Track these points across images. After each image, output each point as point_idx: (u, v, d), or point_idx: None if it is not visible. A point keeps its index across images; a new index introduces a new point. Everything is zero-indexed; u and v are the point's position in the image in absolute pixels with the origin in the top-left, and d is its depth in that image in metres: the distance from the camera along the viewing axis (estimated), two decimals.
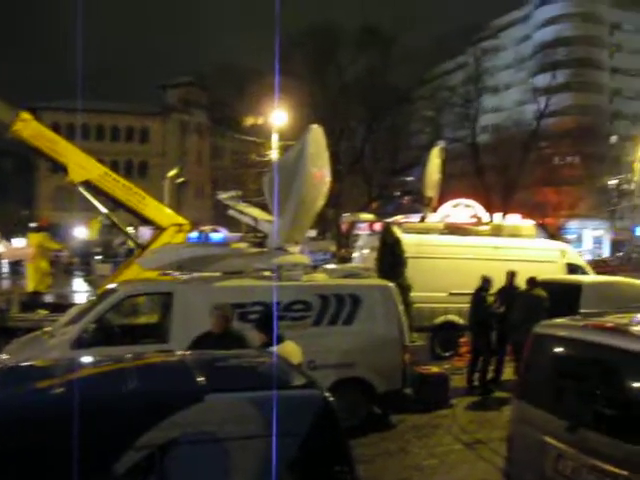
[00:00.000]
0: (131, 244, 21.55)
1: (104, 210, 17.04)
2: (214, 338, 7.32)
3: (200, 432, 3.91)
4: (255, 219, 12.52)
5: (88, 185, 15.97)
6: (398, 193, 44.79)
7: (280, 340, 7.27)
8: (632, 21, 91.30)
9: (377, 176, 46.01)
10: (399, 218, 19.65)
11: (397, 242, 14.71)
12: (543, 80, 52.68)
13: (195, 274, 10.50)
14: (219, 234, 45.51)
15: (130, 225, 21.24)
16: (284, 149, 30.12)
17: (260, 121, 39.34)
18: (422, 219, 19.96)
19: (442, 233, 17.60)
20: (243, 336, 7.38)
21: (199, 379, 4.35)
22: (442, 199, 24.63)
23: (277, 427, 3.88)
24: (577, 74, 62.37)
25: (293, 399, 4.11)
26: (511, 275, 13.96)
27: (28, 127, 15.60)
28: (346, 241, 38.43)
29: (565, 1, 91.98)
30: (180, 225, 16.41)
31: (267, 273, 10.79)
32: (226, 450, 3.93)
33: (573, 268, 17.75)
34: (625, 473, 4.94)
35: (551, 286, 13.43)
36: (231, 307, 8.02)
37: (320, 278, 11.15)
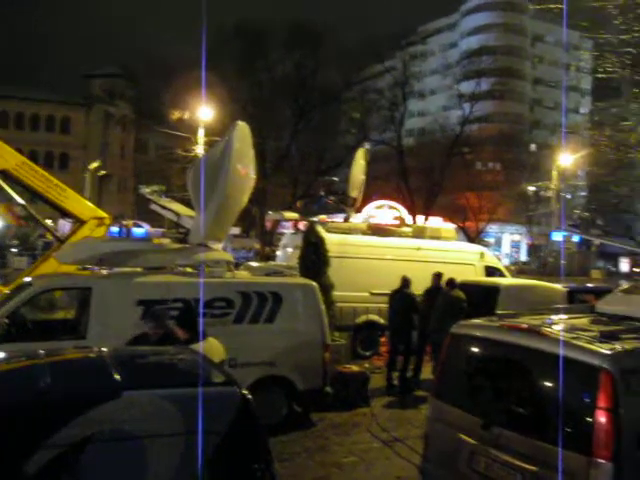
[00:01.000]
0: (49, 237, 20.99)
1: (21, 201, 16.52)
2: (152, 342, 7.19)
3: (116, 430, 3.85)
4: (178, 214, 12.34)
5: (4, 175, 15.45)
6: (323, 193, 44.92)
7: (203, 336, 7.24)
8: (554, 34, 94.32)
9: (303, 175, 46.08)
10: (323, 217, 19.74)
11: (321, 241, 14.77)
12: (468, 87, 53.82)
13: (115, 269, 10.31)
14: (141, 229, 44.77)
15: (49, 218, 20.65)
16: (210, 145, 29.88)
17: (186, 116, 38.86)
18: (346, 219, 20.11)
19: (365, 233, 17.76)
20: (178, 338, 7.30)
21: (116, 375, 4.27)
22: (366, 200, 24.91)
23: (196, 424, 3.86)
24: (500, 83, 64.02)
25: (211, 397, 4.08)
26: (437, 277, 14.19)
27: None
28: (270, 239, 38.40)
29: (491, 11, 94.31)
30: (101, 219, 16.07)
31: (189, 269, 10.70)
32: (143, 448, 3.88)
33: (491, 270, 18.23)
34: (534, 469, 5.11)
35: (470, 287, 13.73)
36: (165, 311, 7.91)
37: (242, 275, 11.12)
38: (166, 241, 12.03)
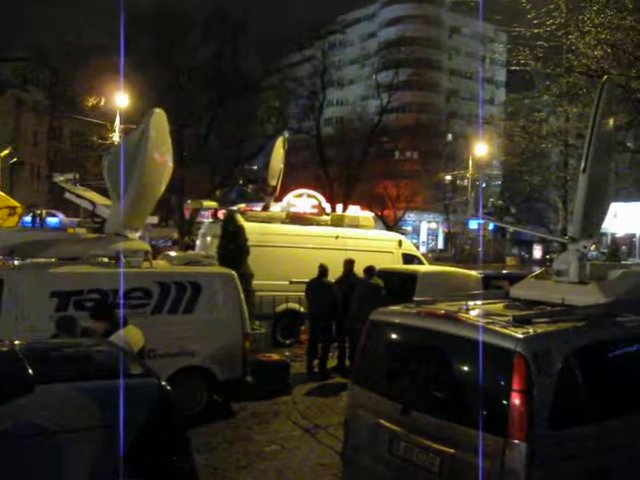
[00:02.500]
0: None
1: None
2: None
3: (30, 424, 3.75)
4: (93, 203, 12.02)
5: None
6: (242, 181, 44.70)
7: (124, 325, 7.14)
8: (470, 26, 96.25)
9: (222, 164, 45.73)
10: (242, 206, 19.58)
11: (239, 230, 14.69)
12: (386, 77, 54.44)
13: (28, 260, 10.01)
14: (55, 218, 43.53)
15: None
16: (127, 132, 29.27)
17: (102, 102, 37.98)
18: (265, 208, 20.06)
19: (284, 222, 17.76)
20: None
21: (29, 369, 4.15)
22: (285, 189, 24.85)
23: (113, 417, 3.79)
24: (417, 73, 65.04)
25: (129, 388, 4.01)
26: (349, 263, 14.32)
27: None
28: (189, 228, 37.97)
29: (409, 3, 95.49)
30: (13, 208, 15.56)
31: (105, 260, 10.48)
32: (58, 442, 3.80)
33: (409, 258, 18.53)
34: (452, 451, 5.22)
35: (388, 275, 13.93)
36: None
37: (161, 265, 10.96)
38: (82, 231, 11.73)
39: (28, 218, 16.20)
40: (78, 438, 3.85)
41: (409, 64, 62.02)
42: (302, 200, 26.25)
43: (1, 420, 3.68)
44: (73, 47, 41.00)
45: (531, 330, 5.29)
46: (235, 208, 18.38)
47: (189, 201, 37.00)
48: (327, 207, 27.58)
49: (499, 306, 6.58)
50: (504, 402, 5.02)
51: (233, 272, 10.98)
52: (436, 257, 60.07)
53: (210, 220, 19.18)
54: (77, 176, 12.76)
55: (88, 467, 3.87)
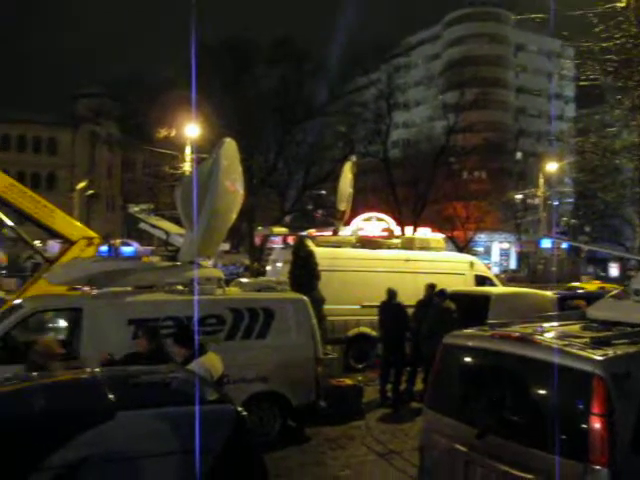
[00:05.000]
0: (38, 258, 20.90)
1: (10, 223, 16.45)
2: (144, 357, 7.20)
3: (112, 450, 3.84)
4: (167, 232, 12.33)
5: None
6: (311, 207, 45.00)
7: (203, 351, 7.24)
8: (535, 42, 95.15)
9: (290, 190, 46.10)
10: (312, 231, 19.75)
11: (310, 255, 14.78)
12: (452, 97, 54.07)
13: (105, 289, 10.28)
14: (130, 247, 44.67)
15: (38, 239, 20.57)
16: (197, 162, 29.87)
17: (173, 133, 38.87)
18: (335, 232, 20.13)
19: (354, 246, 17.78)
20: (169, 353, 7.33)
21: (110, 396, 4.26)
22: (354, 213, 24.95)
23: (191, 443, 3.85)
24: (484, 92, 64.32)
25: (206, 415, 4.07)
26: (430, 287, 14.17)
27: None
28: (259, 254, 38.36)
29: (472, 22, 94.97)
30: (90, 239, 16.03)
31: (179, 287, 10.68)
32: (138, 468, 3.87)
33: (481, 280, 18.27)
34: (530, 477, 5.11)
35: (461, 297, 13.75)
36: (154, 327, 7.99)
37: (233, 292, 11.10)
38: (155, 259, 12.02)
39: (104, 248, 16.63)
40: (157, 463, 3.92)
41: (475, 83, 61.26)
42: (371, 224, 26.35)
43: (84, 446, 3.77)
44: (144, 81, 42.14)
45: (610, 352, 5.16)
46: (305, 233, 18.52)
47: (259, 227, 37.44)
48: (396, 230, 27.52)
49: (576, 327, 6.43)
50: (583, 426, 4.89)
51: (305, 297, 11.04)
52: (510, 277, 58.96)
53: (281, 246, 19.35)
54: (151, 207, 13.11)
55: None
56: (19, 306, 9.89)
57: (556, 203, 61.66)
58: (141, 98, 42.66)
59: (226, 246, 37.28)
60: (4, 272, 40.69)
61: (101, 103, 54.75)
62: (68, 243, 16.08)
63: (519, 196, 63.53)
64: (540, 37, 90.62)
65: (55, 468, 3.64)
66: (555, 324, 6.67)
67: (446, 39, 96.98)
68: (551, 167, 51.13)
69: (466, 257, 20.23)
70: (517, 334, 5.85)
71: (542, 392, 5.53)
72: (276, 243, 29.21)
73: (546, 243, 61.91)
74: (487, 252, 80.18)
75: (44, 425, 3.87)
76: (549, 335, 5.86)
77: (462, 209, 58.30)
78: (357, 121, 47.33)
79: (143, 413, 4.07)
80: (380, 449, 10.27)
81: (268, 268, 20.06)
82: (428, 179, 48.22)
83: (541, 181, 54.59)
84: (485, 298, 13.88)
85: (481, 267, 19.45)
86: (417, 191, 48.55)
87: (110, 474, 3.77)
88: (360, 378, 14.64)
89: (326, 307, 14.45)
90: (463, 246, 54.86)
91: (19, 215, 16.21)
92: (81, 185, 45.95)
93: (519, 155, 71.72)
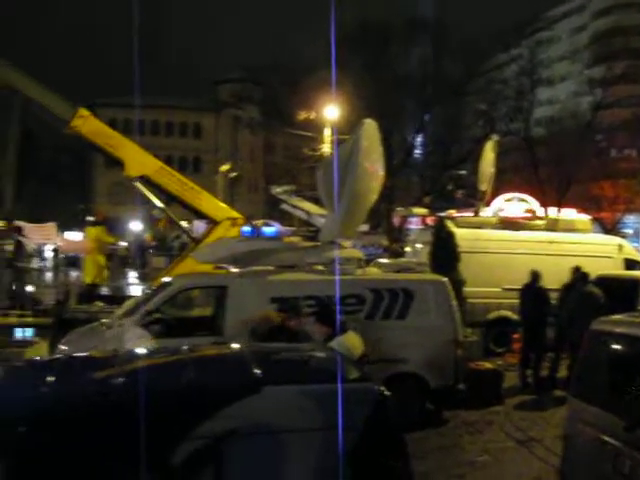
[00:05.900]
0: (185, 238, 21.80)
1: (160, 204, 17.22)
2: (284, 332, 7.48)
3: (257, 424, 3.96)
4: (308, 213, 12.57)
5: (144, 180, 16.16)
6: (451, 187, 44.29)
7: (344, 330, 7.37)
8: None
9: (430, 170, 45.63)
10: (452, 212, 19.48)
11: (451, 236, 14.61)
12: (599, 71, 51.55)
13: (249, 268, 10.62)
14: (272, 228, 45.80)
15: (184, 219, 21.45)
16: (337, 143, 30.13)
17: (312, 115, 39.34)
18: (475, 213, 19.78)
19: (496, 227, 17.41)
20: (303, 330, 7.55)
21: (256, 371, 4.39)
22: (495, 193, 24.36)
23: (334, 420, 3.91)
24: (634, 65, 60.88)
25: (349, 393, 4.12)
26: (575, 270, 13.65)
27: (86, 123, 15.83)
28: (398, 235, 38.25)
29: None
30: (234, 219, 16.50)
31: (320, 267, 10.85)
32: (282, 442, 3.96)
33: (631, 263, 17.39)
34: None
35: (609, 282, 13.19)
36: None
37: (373, 272, 11.17)
38: (297, 239, 12.26)
39: (247, 228, 17.14)
40: (301, 439, 4.01)
41: (624, 55, 58.00)
42: (513, 204, 25.65)
43: (232, 418, 3.91)
44: (284, 65, 42.83)
45: None
46: (445, 214, 18.31)
47: (398, 208, 37.33)
48: (540, 211, 26.69)
49: None
50: None
51: (445, 279, 10.95)
52: None
53: (420, 227, 19.25)
54: (293, 188, 13.36)
55: (309, 468, 4.02)
56: (168, 284, 10.40)
57: None
58: (282, 82, 43.45)
59: (365, 227, 37.44)
60: (152, 251, 42.84)
61: (243, 88, 56.23)
62: (213, 223, 16.66)
63: None
64: None
65: (204, 438, 3.80)
66: None
67: (592, 10, 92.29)
68: None
69: (614, 239, 19.29)
70: None
71: None
72: (415, 224, 29.02)
73: None
74: (637, 235, 76.19)
75: (194, 397, 4.05)
76: None
77: (610, 189, 55.55)
78: (498, 99, 46.14)
79: (288, 389, 4.17)
80: (519, 436, 10.07)
81: (407, 249, 20.01)
82: (573, 157, 46.32)
83: None
84: (635, 283, 13.28)
85: (630, 250, 18.49)
86: (561, 170, 46.72)
87: (256, 447, 3.89)
88: (500, 362, 14.37)
89: (466, 289, 14.25)
90: (611, 228, 52.34)
91: (167, 197, 16.96)
92: (225, 168, 47.43)
93: None
